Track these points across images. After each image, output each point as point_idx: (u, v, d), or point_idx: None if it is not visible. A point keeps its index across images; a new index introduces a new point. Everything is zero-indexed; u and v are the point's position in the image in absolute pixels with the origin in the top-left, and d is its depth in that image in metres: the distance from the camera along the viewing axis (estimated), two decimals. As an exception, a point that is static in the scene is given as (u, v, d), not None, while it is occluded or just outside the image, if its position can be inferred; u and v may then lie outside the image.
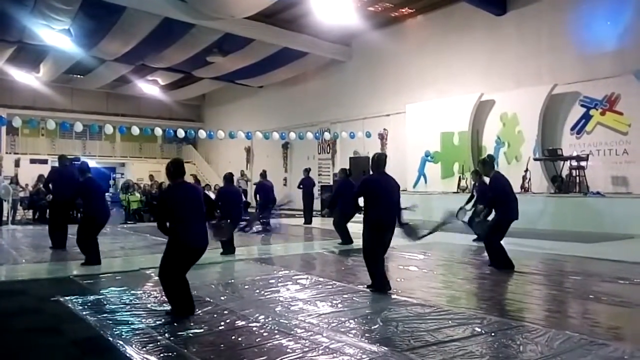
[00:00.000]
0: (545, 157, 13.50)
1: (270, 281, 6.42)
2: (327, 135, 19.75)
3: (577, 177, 12.65)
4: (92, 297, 5.49)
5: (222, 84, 24.54)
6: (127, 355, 3.70)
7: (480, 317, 4.63)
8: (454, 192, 14.79)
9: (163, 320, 4.60)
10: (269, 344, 3.91)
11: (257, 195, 13.35)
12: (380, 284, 5.73)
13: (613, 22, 12.87)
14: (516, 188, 10.39)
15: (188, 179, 5.66)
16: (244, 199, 14.86)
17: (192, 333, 4.22)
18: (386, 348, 3.79)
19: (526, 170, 13.40)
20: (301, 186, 15.34)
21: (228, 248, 8.72)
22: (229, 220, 6.68)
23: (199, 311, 4.81)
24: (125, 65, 20.96)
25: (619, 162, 12.69)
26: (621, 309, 5.11)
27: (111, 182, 21.13)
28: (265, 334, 4.16)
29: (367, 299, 5.49)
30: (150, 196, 16.69)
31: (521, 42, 14.76)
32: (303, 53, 19.36)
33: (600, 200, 11.82)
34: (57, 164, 10.97)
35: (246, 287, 6.14)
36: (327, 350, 3.78)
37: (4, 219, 14.72)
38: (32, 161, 24.36)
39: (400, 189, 6.17)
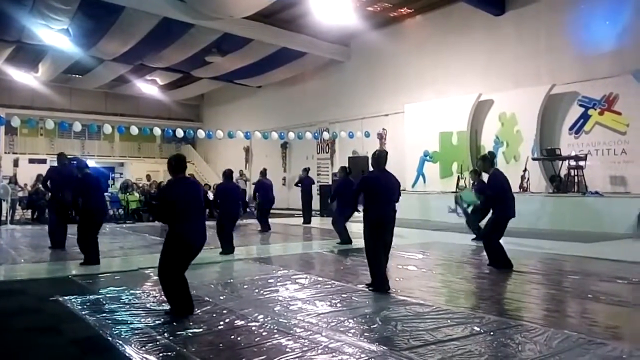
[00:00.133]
0: (544, 157, 13.52)
1: (269, 281, 6.42)
2: (326, 135, 19.77)
3: (576, 177, 12.66)
4: (91, 297, 5.49)
5: (221, 83, 24.52)
6: (127, 354, 3.70)
7: (479, 317, 4.64)
8: (453, 192, 14.80)
9: (162, 319, 4.61)
10: (268, 344, 3.91)
11: (256, 194, 13.36)
12: (380, 284, 5.73)
13: (611, 22, 12.89)
14: (515, 188, 10.42)
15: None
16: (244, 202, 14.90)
17: (191, 332, 4.22)
18: (385, 347, 3.79)
19: (525, 170, 13.41)
20: (299, 184, 15.35)
21: (227, 248, 8.73)
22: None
23: (198, 311, 4.81)
24: (124, 65, 20.94)
25: (618, 162, 12.71)
26: (619, 309, 5.12)
27: (110, 181, 21.14)
28: (264, 334, 4.16)
29: (366, 298, 5.50)
30: (149, 196, 16.68)
31: (520, 42, 14.78)
32: (302, 53, 19.36)
33: (599, 200, 11.83)
34: (56, 164, 10.92)
35: (245, 286, 6.14)
36: (326, 349, 3.78)
37: (3, 218, 14.71)
38: (31, 161, 24.36)
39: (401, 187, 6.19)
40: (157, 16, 15.67)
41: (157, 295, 5.52)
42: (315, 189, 16.36)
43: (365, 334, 4.15)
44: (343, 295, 5.56)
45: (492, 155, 7.69)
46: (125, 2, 14.83)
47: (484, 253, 7.49)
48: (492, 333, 4.16)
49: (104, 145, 28.16)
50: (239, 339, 4.05)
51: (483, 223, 8.84)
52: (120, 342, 3.95)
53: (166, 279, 4.78)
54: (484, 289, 6.11)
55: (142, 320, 4.60)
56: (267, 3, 14.64)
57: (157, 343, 3.93)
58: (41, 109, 24.78)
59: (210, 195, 12.14)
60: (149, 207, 16.32)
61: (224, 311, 4.87)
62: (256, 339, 4.02)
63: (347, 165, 14.76)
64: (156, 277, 5.04)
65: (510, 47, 15.00)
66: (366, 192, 5.93)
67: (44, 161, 23.85)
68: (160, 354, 3.68)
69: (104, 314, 4.77)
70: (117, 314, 4.81)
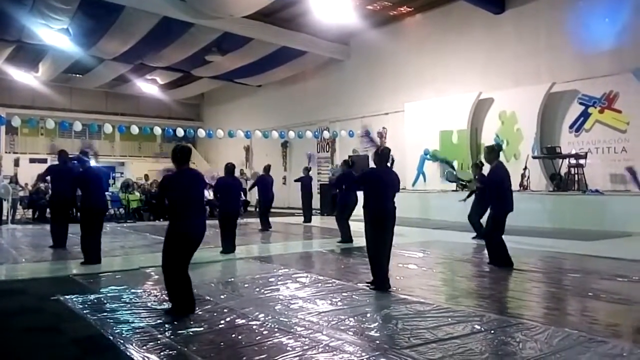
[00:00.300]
0: (544, 155, 13.52)
1: (270, 279, 6.43)
2: (326, 134, 19.77)
3: (576, 175, 12.66)
4: (92, 296, 5.49)
5: (221, 83, 24.51)
6: (128, 353, 3.71)
7: (480, 315, 4.64)
8: (453, 191, 14.81)
9: (163, 318, 4.61)
10: (269, 342, 3.92)
11: (256, 187, 13.34)
12: (381, 282, 5.73)
13: (611, 20, 12.88)
14: (515, 186, 10.41)
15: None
16: (242, 197, 14.91)
17: (192, 331, 4.23)
18: (386, 346, 3.80)
19: (525, 168, 13.40)
20: (299, 181, 15.36)
21: (228, 246, 8.73)
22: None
23: (199, 310, 4.82)
24: (124, 64, 20.93)
25: (618, 160, 12.70)
26: (620, 307, 5.12)
27: (111, 181, 21.13)
28: (265, 332, 4.17)
29: (366, 296, 5.50)
30: (150, 195, 16.69)
31: (520, 41, 14.76)
32: (302, 52, 19.35)
33: (599, 198, 11.84)
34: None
35: (246, 285, 6.15)
36: (327, 348, 3.79)
37: (4, 218, 14.70)
38: (32, 160, 24.32)
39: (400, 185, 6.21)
40: (157, 15, 15.66)
41: (158, 294, 5.53)
42: (315, 189, 16.34)
43: (366, 333, 4.15)
44: (344, 294, 5.57)
45: (499, 148, 7.61)
46: (125, 2, 14.82)
47: (484, 251, 7.49)
48: (492, 331, 4.17)
49: (105, 144, 28.11)
50: (239, 337, 4.06)
51: (483, 222, 8.89)
52: (122, 341, 3.96)
53: (170, 275, 4.77)
54: (485, 287, 6.11)
55: (143, 319, 4.61)
56: (267, 2, 14.63)
57: (158, 342, 3.93)
58: (41, 109, 24.75)
59: (210, 195, 12.12)
60: (149, 206, 16.34)
61: (225, 310, 4.88)
62: (257, 338, 4.03)
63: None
64: (157, 276, 5.05)
65: (510, 46, 14.98)
66: (366, 186, 5.93)
67: (44, 161, 23.72)
68: (161, 353, 3.69)
69: (105, 313, 4.78)
70: (118, 313, 4.82)
